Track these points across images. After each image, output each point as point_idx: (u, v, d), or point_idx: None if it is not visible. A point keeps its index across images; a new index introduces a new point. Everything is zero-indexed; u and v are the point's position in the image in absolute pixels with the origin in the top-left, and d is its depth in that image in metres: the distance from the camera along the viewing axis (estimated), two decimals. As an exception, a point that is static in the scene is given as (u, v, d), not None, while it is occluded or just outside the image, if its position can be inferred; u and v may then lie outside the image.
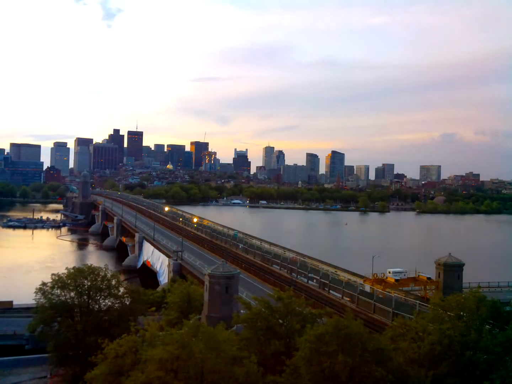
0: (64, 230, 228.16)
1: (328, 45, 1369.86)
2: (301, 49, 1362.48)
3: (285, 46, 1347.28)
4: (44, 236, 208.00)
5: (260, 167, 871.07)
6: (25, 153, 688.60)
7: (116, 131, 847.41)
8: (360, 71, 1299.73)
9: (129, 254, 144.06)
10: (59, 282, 47.36)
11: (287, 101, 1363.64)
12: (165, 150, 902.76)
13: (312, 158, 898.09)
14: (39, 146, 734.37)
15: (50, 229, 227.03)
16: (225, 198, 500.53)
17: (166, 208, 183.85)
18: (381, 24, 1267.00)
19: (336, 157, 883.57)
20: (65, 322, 47.16)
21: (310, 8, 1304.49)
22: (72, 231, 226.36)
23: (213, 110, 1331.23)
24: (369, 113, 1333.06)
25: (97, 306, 48.05)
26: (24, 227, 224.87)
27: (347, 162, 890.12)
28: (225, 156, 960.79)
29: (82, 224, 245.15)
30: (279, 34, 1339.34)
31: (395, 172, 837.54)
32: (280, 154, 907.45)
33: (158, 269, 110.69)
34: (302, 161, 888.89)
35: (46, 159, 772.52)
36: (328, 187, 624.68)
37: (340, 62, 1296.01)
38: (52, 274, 48.80)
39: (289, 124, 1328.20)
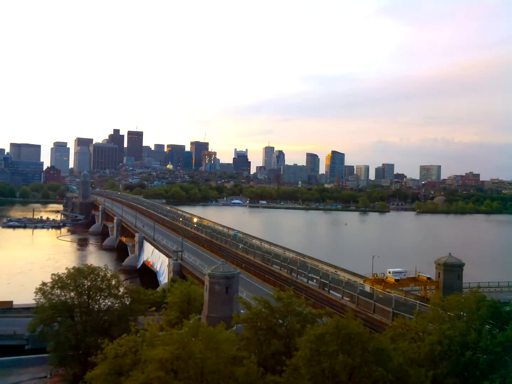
0: (64, 230, 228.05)
1: (317, 61, 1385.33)
2: (291, 65, 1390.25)
3: (277, 62, 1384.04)
4: (44, 236, 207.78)
5: (260, 167, 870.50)
6: (25, 153, 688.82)
7: (116, 131, 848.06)
8: (347, 82, 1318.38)
9: (129, 254, 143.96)
10: (59, 282, 47.40)
11: (287, 105, 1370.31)
12: (165, 150, 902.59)
13: (312, 158, 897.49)
14: (39, 146, 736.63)
15: (50, 229, 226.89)
16: (225, 198, 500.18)
17: (167, 208, 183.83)
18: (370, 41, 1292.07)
19: (336, 157, 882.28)
20: (65, 322, 47.17)
21: (301, 28, 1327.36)
22: (72, 231, 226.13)
23: (210, 112, 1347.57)
24: (366, 117, 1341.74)
25: (97, 306, 48.09)
26: (24, 227, 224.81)
27: (347, 163, 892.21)
28: (224, 157, 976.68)
29: (82, 224, 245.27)
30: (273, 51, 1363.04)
31: (395, 172, 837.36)
32: (280, 154, 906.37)
33: (158, 269, 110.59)
34: (302, 161, 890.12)
35: (46, 159, 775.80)
36: (328, 187, 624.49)
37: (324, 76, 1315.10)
38: (52, 274, 48.85)
39: (287, 124, 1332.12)
